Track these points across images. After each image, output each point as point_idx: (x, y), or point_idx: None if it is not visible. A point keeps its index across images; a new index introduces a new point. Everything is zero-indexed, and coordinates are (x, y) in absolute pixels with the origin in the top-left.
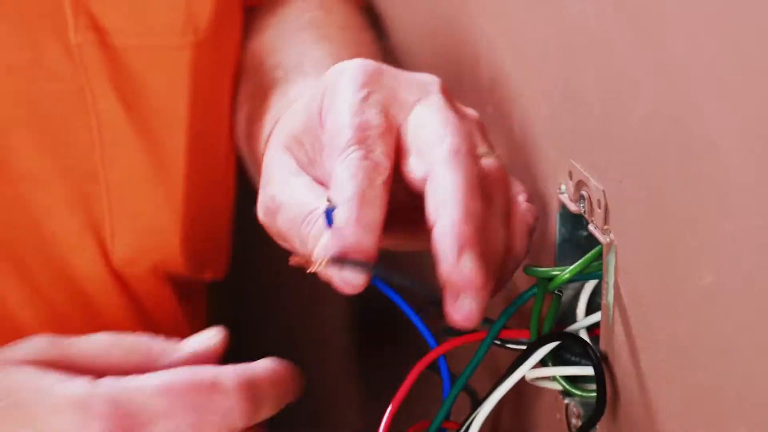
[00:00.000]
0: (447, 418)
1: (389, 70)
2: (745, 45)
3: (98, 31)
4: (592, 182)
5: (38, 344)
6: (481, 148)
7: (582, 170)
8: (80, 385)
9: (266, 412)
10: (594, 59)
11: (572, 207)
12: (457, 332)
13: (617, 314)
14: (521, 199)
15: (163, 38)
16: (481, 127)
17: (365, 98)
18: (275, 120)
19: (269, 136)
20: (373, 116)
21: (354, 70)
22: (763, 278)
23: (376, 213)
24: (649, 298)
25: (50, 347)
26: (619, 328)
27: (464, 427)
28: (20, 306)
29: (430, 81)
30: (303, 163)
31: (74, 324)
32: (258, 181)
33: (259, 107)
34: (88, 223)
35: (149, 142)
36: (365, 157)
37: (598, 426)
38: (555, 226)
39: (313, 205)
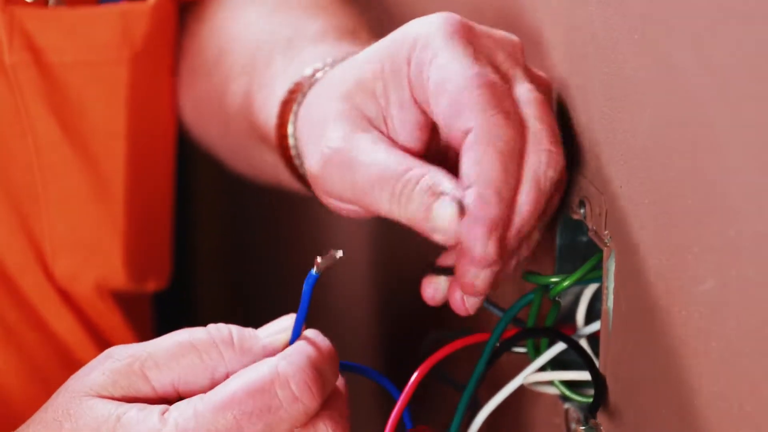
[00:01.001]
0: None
1: (476, 26)
2: (751, 53)
3: (33, 50)
4: (593, 188)
5: (110, 369)
6: None
7: (583, 176)
8: (150, 426)
9: (332, 381)
10: (600, 65)
11: (573, 213)
12: (444, 270)
13: (617, 320)
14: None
15: (100, 53)
16: (549, 92)
17: (476, 53)
18: (291, 81)
19: (288, 96)
20: (490, 72)
21: (449, 22)
22: (764, 283)
23: (510, 194)
24: (649, 303)
25: (121, 373)
26: (618, 333)
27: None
28: None
29: (517, 45)
30: (371, 116)
31: (30, 344)
32: (246, 150)
33: (263, 74)
34: (30, 241)
35: (87, 160)
36: (512, 127)
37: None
38: (556, 232)
39: (402, 165)
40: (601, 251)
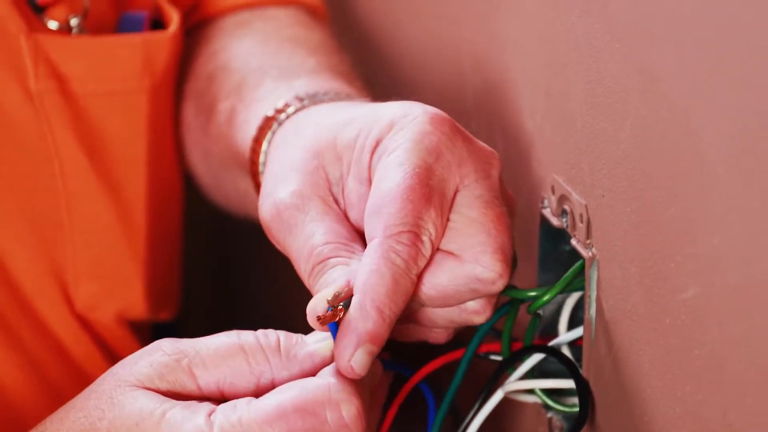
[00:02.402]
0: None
1: (461, 129)
2: (732, 62)
3: (58, 78)
4: (575, 197)
5: (158, 362)
6: None
7: (564, 185)
8: (196, 426)
9: (377, 410)
10: (582, 74)
11: (555, 221)
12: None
13: (599, 328)
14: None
15: (122, 83)
16: (513, 216)
17: (433, 167)
18: (276, 105)
19: (269, 119)
20: (434, 191)
21: (430, 120)
22: (747, 291)
23: (400, 306)
24: (631, 311)
25: (169, 367)
26: (601, 342)
27: None
28: None
29: (494, 158)
30: (332, 179)
31: (47, 366)
32: (220, 178)
33: (250, 95)
34: (51, 268)
35: (111, 188)
36: (413, 243)
37: None
38: (537, 241)
39: (326, 251)
40: (582, 260)
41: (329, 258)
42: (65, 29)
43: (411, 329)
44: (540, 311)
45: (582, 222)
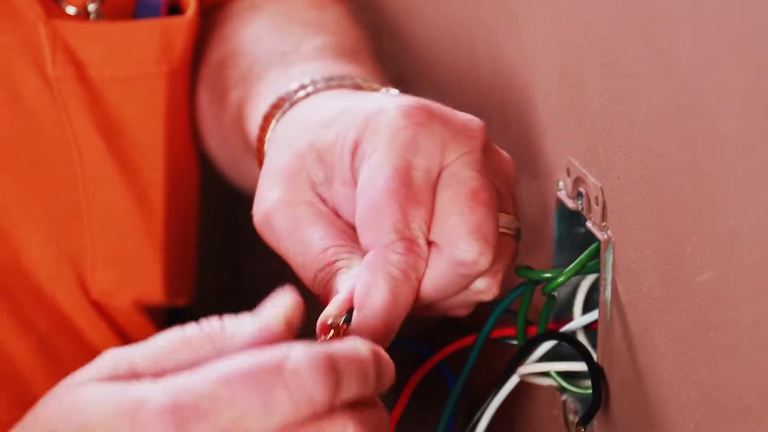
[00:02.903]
0: (453, 417)
1: (438, 112)
2: (749, 43)
3: (76, 64)
4: (590, 179)
5: (105, 361)
6: (505, 218)
7: (580, 167)
8: (137, 388)
9: (351, 391)
10: (598, 56)
11: (570, 204)
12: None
13: (614, 311)
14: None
15: (139, 68)
16: (510, 182)
17: (413, 162)
18: (276, 95)
19: (270, 110)
20: (419, 187)
21: (403, 114)
22: (764, 274)
23: (402, 312)
24: (647, 294)
25: (116, 362)
26: (616, 324)
27: None
28: (8, 335)
29: (476, 130)
30: (316, 180)
31: (64, 353)
32: (239, 164)
33: (253, 86)
34: (68, 255)
35: (130, 174)
36: (409, 250)
37: (595, 422)
38: (553, 223)
39: (326, 257)
40: (598, 242)
41: (330, 264)
42: (83, 15)
43: (430, 309)
44: (555, 293)
45: (597, 204)
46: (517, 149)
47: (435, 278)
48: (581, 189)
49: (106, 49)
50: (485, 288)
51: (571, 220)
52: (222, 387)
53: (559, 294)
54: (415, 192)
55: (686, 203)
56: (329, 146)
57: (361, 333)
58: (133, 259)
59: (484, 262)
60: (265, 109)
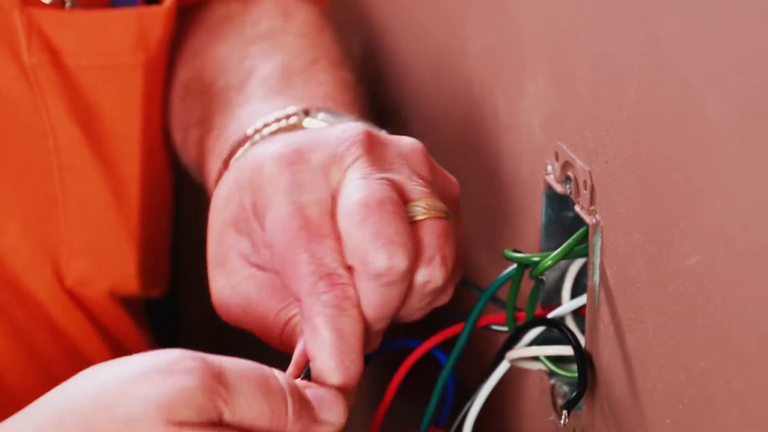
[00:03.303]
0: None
1: (309, 141)
2: (738, 27)
3: (51, 51)
4: (579, 163)
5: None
6: (412, 206)
7: (568, 151)
8: (167, 351)
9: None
10: (587, 40)
11: (558, 188)
12: None
13: (602, 295)
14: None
15: (115, 57)
16: (418, 161)
17: (301, 201)
18: (229, 145)
19: (221, 167)
20: (318, 222)
21: (276, 162)
22: (752, 259)
23: (354, 343)
24: (635, 278)
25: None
26: (604, 309)
27: (456, 424)
28: None
29: (351, 137)
30: (246, 252)
31: (40, 343)
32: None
33: (210, 133)
34: (43, 244)
35: (106, 164)
36: (331, 286)
37: (583, 406)
38: (541, 208)
39: (280, 319)
40: (586, 226)
41: (285, 324)
42: (59, 3)
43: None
44: (543, 277)
45: (586, 189)
46: (506, 133)
47: (369, 300)
48: (569, 173)
49: (81, 37)
50: (427, 278)
51: (560, 204)
52: (250, 383)
53: (548, 279)
54: (314, 228)
55: (674, 187)
56: (237, 218)
57: (321, 380)
58: (109, 249)
59: (400, 262)
60: (215, 173)
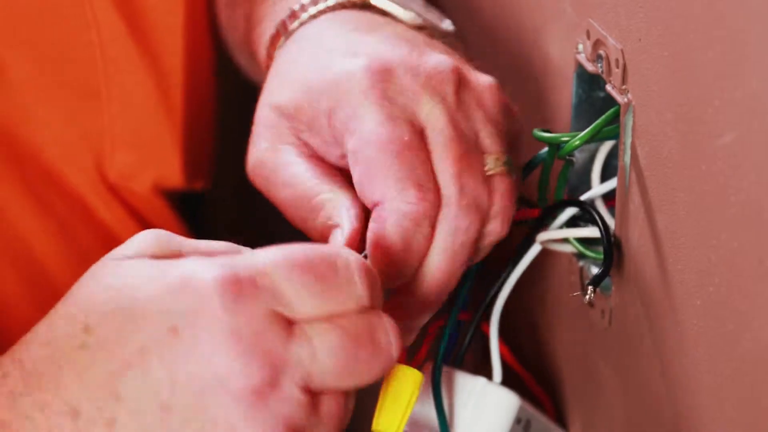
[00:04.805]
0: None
1: (396, 59)
2: None
3: None
4: (611, 41)
5: (147, 240)
6: (488, 160)
7: (600, 29)
8: (186, 263)
9: (380, 296)
10: None
11: (589, 67)
12: None
13: (633, 176)
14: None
15: None
16: (492, 115)
17: (392, 115)
18: (275, 24)
19: (270, 41)
20: (412, 136)
21: (368, 72)
22: None
23: (414, 264)
24: (667, 158)
25: (159, 242)
26: (635, 190)
27: (486, 302)
28: (24, 216)
29: (445, 72)
30: (300, 128)
31: (79, 234)
32: (257, 79)
33: (258, 8)
34: (85, 136)
35: (149, 56)
36: (422, 199)
37: (613, 287)
38: (571, 88)
39: (319, 193)
40: (617, 106)
41: (318, 196)
42: None
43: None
44: (572, 157)
45: (618, 67)
46: (535, 12)
47: (443, 235)
48: (601, 51)
49: None
50: (488, 232)
51: (590, 83)
52: (281, 268)
53: (577, 162)
54: (409, 140)
55: (708, 65)
56: (304, 110)
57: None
58: (153, 141)
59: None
60: (266, 42)
